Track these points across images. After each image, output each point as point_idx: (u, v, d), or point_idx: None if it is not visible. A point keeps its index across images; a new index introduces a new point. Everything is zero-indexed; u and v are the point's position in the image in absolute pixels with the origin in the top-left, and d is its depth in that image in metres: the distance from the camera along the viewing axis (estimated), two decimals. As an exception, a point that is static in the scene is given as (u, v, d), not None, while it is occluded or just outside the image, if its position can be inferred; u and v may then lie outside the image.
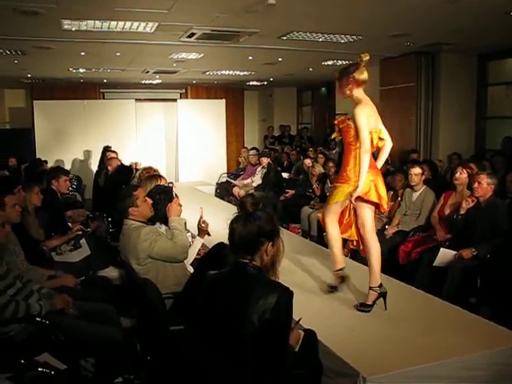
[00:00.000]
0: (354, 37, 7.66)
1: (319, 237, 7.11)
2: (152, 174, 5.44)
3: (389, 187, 6.94)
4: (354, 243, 4.14)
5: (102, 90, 14.97)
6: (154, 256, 3.85)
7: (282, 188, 9.76)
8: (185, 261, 4.16)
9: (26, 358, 3.03)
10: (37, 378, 2.93)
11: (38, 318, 3.31)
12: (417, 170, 6.24)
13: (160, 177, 5.21)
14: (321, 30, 7.24)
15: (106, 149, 9.72)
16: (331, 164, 8.24)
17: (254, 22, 6.69)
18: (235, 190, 10.61)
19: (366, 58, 3.80)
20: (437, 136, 9.48)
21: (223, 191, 11.38)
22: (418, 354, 3.09)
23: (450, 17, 6.38)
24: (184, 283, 3.90)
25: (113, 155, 8.70)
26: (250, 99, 17.04)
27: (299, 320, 2.89)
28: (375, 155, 4.05)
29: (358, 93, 3.88)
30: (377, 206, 3.90)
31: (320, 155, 9.54)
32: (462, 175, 5.82)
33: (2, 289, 3.23)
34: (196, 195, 9.43)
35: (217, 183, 12.22)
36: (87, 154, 12.92)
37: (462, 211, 5.43)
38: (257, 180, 10.50)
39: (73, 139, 12.88)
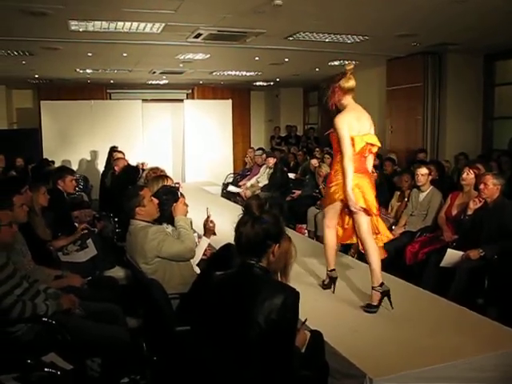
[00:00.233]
0: (361, 37, 7.65)
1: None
2: (159, 175, 5.45)
3: (395, 187, 6.95)
4: (361, 246, 4.13)
5: (108, 91, 15.02)
6: (162, 255, 3.86)
7: (289, 188, 9.75)
8: (191, 261, 4.16)
9: (32, 357, 3.03)
10: (43, 377, 2.93)
11: (44, 318, 3.32)
12: (423, 171, 6.21)
13: (166, 177, 5.22)
14: (327, 30, 7.24)
15: (113, 149, 9.73)
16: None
17: (261, 23, 6.69)
18: (242, 191, 10.62)
19: (350, 67, 4.01)
20: (444, 136, 9.46)
21: (229, 191, 11.37)
22: (425, 355, 3.07)
23: (456, 16, 6.36)
24: (190, 283, 3.90)
25: (119, 155, 8.71)
26: (257, 100, 17.05)
27: (305, 321, 2.88)
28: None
29: (346, 100, 4.01)
30: (365, 210, 3.94)
31: (326, 155, 9.51)
32: (468, 176, 5.79)
33: (8, 289, 3.24)
34: (202, 195, 9.43)
35: (223, 183, 12.22)
36: (94, 154, 12.94)
37: (470, 212, 5.40)
38: (263, 180, 10.49)
39: (80, 139, 12.90)
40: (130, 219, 4.06)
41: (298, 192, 9.39)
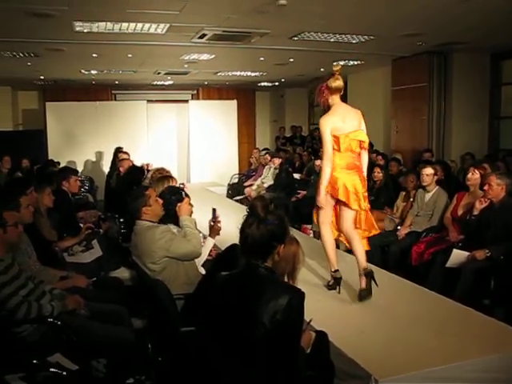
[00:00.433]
0: (366, 37, 7.64)
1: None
2: (164, 175, 5.46)
3: (401, 188, 6.93)
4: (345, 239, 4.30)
5: (113, 92, 15.04)
6: (170, 254, 3.88)
7: (294, 189, 9.74)
8: (196, 261, 4.17)
9: (38, 358, 3.05)
10: (49, 378, 2.95)
11: (50, 319, 3.33)
12: (428, 171, 6.19)
13: (171, 177, 5.22)
14: (332, 30, 7.22)
15: (118, 150, 9.75)
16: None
17: (266, 23, 6.69)
18: (247, 191, 10.62)
19: (337, 68, 4.15)
20: (449, 136, 9.43)
21: (235, 192, 11.38)
22: (431, 355, 3.06)
23: (462, 16, 6.34)
24: (195, 283, 3.91)
25: (125, 156, 8.73)
26: (262, 100, 17.05)
27: (310, 321, 2.88)
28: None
29: (332, 100, 4.16)
30: (345, 204, 4.12)
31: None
32: (473, 176, 5.76)
33: (14, 290, 3.25)
34: (208, 196, 9.43)
35: (228, 184, 12.22)
36: (99, 155, 12.98)
37: (476, 212, 5.38)
38: (268, 181, 10.49)
39: (85, 140, 12.95)
40: (135, 220, 4.07)
41: (303, 192, 9.38)
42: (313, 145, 13.74)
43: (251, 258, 2.47)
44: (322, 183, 4.08)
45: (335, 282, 4.23)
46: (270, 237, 2.44)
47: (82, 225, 5.73)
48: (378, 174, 7.35)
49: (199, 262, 4.28)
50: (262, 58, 9.75)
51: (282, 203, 8.74)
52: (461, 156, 9.00)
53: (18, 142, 12.17)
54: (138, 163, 8.23)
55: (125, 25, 6.64)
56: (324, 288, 4.30)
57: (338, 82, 4.11)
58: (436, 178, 6.29)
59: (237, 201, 10.03)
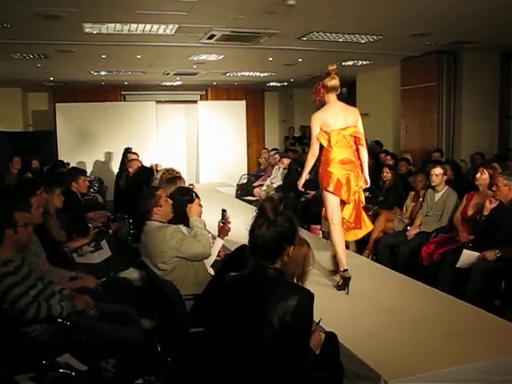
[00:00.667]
0: (375, 36, 7.62)
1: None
2: (173, 176, 5.47)
3: (410, 188, 6.90)
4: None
5: (123, 92, 15.07)
6: (181, 254, 3.89)
7: (305, 189, 9.68)
8: (205, 262, 4.17)
9: (47, 358, 3.06)
10: (58, 378, 2.95)
11: (59, 319, 3.34)
12: (437, 171, 6.15)
13: (181, 178, 5.24)
14: (341, 30, 7.21)
15: (127, 150, 9.79)
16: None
17: (274, 23, 6.68)
18: (256, 191, 10.61)
19: (332, 67, 4.32)
20: (459, 136, 9.38)
21: (244, 192, 11.38)
22: (441, 357, 3.04)
23: (470, 14, 6.30)
24: (204, 284, 3.91)
25: (134, 157, 8.76)
26: (271, 100, 17.04)
27: (319, 321, 2.87)
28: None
29: (328, 98, 4.40)
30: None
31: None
32: (482, 176, 5.73)
33: (24, 290, 3.26)
34: (217, 196, 9.44)
35: (237, 184, 12.22)
36: (108, 155, 13.01)
37: (486, 212, 5.35)
38: (277, 181, 10.48)
39: (94, 141, 12.99)
40: (144, 220, 4.08)
41: (312, 193, 9.32)
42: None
43: (260, 259, 2.47)
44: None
45: (344, 282, 4.22)
46: (280, 238, 2.44)
47: (90, 225, 5.75)
48: (387, 173, 7.32)
49: (208, 262, 4.28)
50: (270, 59, 9.75)
51: (291, 203, 8.73)
52: (471, 155, 8.97)
53: (28, 142, 12.23)
54: (146, 164, 8.25)
55: (134, 26, 6.65)
56: (333, 289, 4.29)
57: (333, 81, 4.31)
58: (445, 177, 6.26)
59: (246, 201, 10.03)
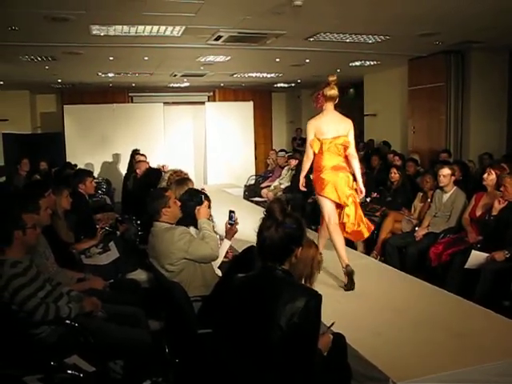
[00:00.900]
0: (382, 37, 7.60)
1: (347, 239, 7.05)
2: (182, 178, 5.48)
3: (418, 188, 6.88)
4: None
5: (130, 94, 15.12)
6: (188, 256, 3.89)
7: (311, 190, 9.67)
8: (213, 263, 4.17)
9: (55, 359, 3.06)
10: (66, 379, 2.96)
11: (67, 321, 3.35)
12: (445, 171, 6.12)
13: (190, 180, 5.25)
14: (348, 30, 7.20)
15: (135, 152, 9.80)
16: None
17: (281, 24, 6.68)
18: (264, 192, 10.61)
19: (332, 78, 4.53)
20: (467, 136, 9.34)
21: (251, 193, 11.37)
22: (450, 358, 3.03)
23: (477, 14, 6.27)
24: (211, 285, 3.91)
25: (141, 158, 8.77)
26: (278, 101, 17.04)
27: (332, 324, 2.87)
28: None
29: (326, 106, 4.64)
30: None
31: (348, 157, 9.45)
32: (490, 176, 5.71)
33: (32, 291, 3.27)
34: (224, 197, 9.44)
35: (245, 185, 12.22)
36: (116, 157, 13.04)
37: (494, 212, 5.33)
38: (285, 182, 10.48)
39: (102, 143, 13.01)
40: (152, 221, 4.09)
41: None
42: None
43: (268, 261, 2.47)
44: (301, 174, 4.84)
45: (349, 279, 4.26)
46: (288, 240, 2.44)
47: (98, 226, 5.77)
48: (395, 174, 7.30)
49: (216, 263, 4.29)
50: (277, 59, 9.74)
51: (299, 204, 8.71)
52: (479, 156, 8.92)
53: (36, 144, 12.32)
54: (154, 165, 8.25)
55: (141, 28, 6.67)
56: (341, 290, 4.28)
57: (332, 91, 4.55)
58: (454, 178, 6.23)
59: (254, 202, 10.03)
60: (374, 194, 7.74)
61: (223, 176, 13.37)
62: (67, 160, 11.87)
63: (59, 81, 12.16)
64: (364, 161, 8.84)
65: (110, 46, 7.71)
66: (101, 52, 8.29)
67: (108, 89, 13.97)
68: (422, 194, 6.73)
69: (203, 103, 14.70)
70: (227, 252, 4.61)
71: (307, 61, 9.93)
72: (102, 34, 6.91)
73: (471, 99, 9.20)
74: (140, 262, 5.02)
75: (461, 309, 3.91)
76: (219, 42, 7.64)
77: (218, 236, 4.56)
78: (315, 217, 8.43)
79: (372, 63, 10.38)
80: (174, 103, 15.00)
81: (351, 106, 14.25)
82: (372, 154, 9.99)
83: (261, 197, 10.79)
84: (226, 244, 4.49)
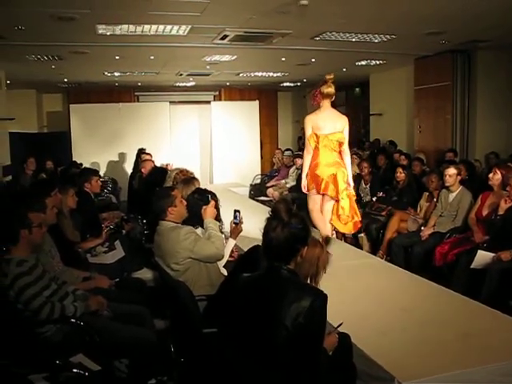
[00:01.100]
0: (388, 36, 7.58)
1: (354, 238, 7.05)
2: (188, 177, 5.48)
3: (424, 188, 6.86)
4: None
5: (136, 93, 15.16)
6: (194, 255, 3.89)
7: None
8: (218, 263, 4.17)
9: (61, 358, 3.07)
10: (71, 378, 2.96)
11: (72, 320, 3.36)
12: (451, 171, 6.10)
13: (196, 179, 5.25)
14: (354, 29, 7.19)
15: (141, 151, 9.82)
16: (365, 164, 8.19)
17: (287, 23, 6.68)
18: (269, 192, 10.61)
19: (329, 76, 4.83)
20: (473, 135, 9.31)
21: (257, 192, 11.37)
22: (456, 358, 3.01)
23: (483, 13, 6.25)
24: (217, 285, 3.91)
25: (147, 157, 8.78)
26: (284, 100, 17.04)
27: (340, 325, 2.86)
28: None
29: (323, 103, 4.88)
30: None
31: (354, 156, 9.44)
32: (495, 175, 5.68)
33: (38, 290, 3.28)
34: (230, 196, 9.43)
35: (251, 185, 12.22)
36: (122, 156, 13.06)
37: (501, 212, 5.31)
38: (290, 181, 10.47)
39: (108, 142, 13.02)
40: (158, 220, 4.09)
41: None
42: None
43: (274, 261, 2.46)
44: (303, 171, 4.98)
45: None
46: (294, 240, 2.44)
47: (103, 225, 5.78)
48: (401, 174, 7.28)
49: (221, 263, 4.28)
50: (283, 59, 9.74)
51: (305, 204, 8.70)
52: (485, 155, 8.89)
53: (42, 143, 12.34)
54: (159, 164, 8.26)
55: (147, 27, 6.68)
56: (347, 290, 4.27)
57: (329, 89, 4.80)
58: (460, 178, 6.21)
59: (260, 201, 10.03)
60: (380, 194, 7.73)
61: (229, 175, 13.36)
62: (73, 159, 11.94)
63: (65, 80, 12.20)
64: (370, 160, 8.83)
65: (115, 45, 7.73)
66: (107, 51, 8.31)
67: (114, 88, 14.01)
68: (427, 193, 6.71)
69: (209, 102, 14.69)
70: (232, 251, 4.61)
71: (313, 60, 9.92)
72: (107, 34, 6.92)
73: (477, 98, 9.17)
74: (145, 261, 5.02)
75: (467, 309, 3.89)
76: (225, 42, 7.65)
77: (223, 235, 4.57)
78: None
79: (378, 62, 10.36)
80: (179, 102, 15.00)
81: (357, 105, 14.26)
82: (378, 154, 9.97)
83: (266, 196, 10.79)
84: (231, 243, 4.49)
